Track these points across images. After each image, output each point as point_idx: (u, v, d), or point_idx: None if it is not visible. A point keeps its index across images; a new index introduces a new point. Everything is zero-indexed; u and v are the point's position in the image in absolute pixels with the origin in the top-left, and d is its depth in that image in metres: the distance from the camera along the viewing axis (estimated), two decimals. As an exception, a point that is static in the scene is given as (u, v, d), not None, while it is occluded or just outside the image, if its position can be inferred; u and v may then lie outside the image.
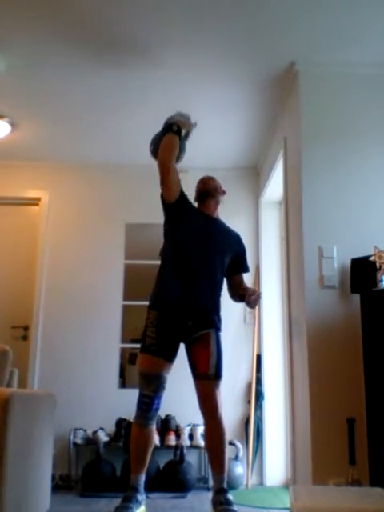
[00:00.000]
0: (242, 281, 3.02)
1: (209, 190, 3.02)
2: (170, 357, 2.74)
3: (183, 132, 2.95)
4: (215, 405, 2.66)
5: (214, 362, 2.70)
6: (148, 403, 2.67)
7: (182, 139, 2.96)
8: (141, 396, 2.70)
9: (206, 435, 2.73)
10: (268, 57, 3.19)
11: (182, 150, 2.98)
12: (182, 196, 2.94)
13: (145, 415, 2.68)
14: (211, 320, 2.78)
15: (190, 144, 4.28)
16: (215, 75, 3.39)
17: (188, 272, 2.79)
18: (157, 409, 2.70)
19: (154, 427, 2.74)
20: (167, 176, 2.85)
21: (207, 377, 2.68)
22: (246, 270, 3.07)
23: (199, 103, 3.71)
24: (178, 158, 2.96)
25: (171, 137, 2.88)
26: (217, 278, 2.86)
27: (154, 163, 4.73)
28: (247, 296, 2.82)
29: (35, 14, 2.84)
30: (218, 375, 2.70)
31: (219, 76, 3.40)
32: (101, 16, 2.86)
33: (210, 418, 2.67)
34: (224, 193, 3.11)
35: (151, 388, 2.67)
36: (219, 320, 2.83)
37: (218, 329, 2.79)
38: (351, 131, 3.19)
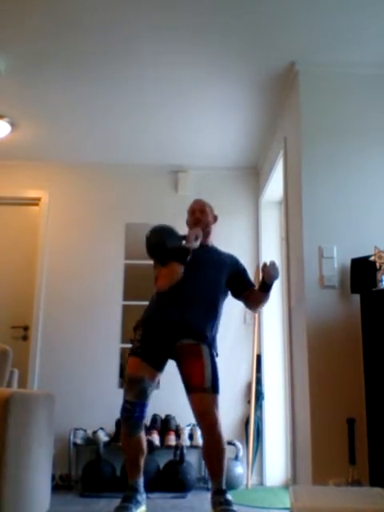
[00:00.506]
0: (253, 291, 3.01)
1: (199, 224, 2.98)
2: (156, 363, 2.70)
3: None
4: (214, 420, 2.57)
5: (208, 374, 2.61)
6: (129, 410, 2.61)
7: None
8: (123, 402, 2.66)
9: (204, 448, 2.65)
10: (268, 57, 3.19)
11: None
12: None
13: (127, 423, 2.63)
14: (202, 336, 2.72)
15: (190, 144, 4.30)
16: (215, 75, 3.39)
17: (180, 299, 2.77)
18: (139, 417, 2.61)
19: (141, 435, 2.67)
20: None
21: (203, 389, 2.59)
22: (251, 285, 3.06)
23: (199, 103, 3.71)
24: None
25: (179, 268, 2.77)
26: (212, 304, 2.84)
27: (154, 163, 4.74)
28: (263, 272, 2.82)
29: (35, 14, 2.84)
30: (214, 389, 2.61)
31: (219, 76, 3.40)
32: (100, 16, 2.86)
33: (210, 434, 2.60)
34: (216, 220, 3.09)
35: (133, 393, 2.62)
36: (213, 340, 2.77)
37: (210, 346, 2.72)
38: (351, 131, 3.19)
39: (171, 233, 2.84)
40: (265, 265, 2.87)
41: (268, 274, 2.84)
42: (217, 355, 2.77)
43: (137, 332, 2.79)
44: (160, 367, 2.74)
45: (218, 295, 2.88)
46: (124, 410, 2.64)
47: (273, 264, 2.87)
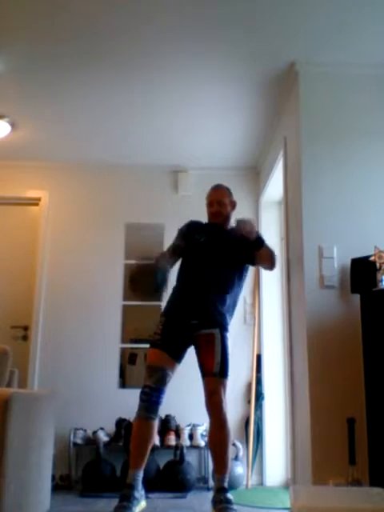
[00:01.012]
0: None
1: (218, 217, 3.05)
2: (175, 353, 2.80)
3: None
4: (219, 401, 2.69)
5: (218, 360, 2.74)
6: (148, 393, 2.70)
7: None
8: (142, 387, 2.75)
9: (210, 432, 2.75)
10: (268, 57, 3.19)
11: (163, 282, 2.93)
12: (186, 242, 3.04)
13: (144, 406, 2.70)
14: (216, 320, 2.82)
15: (190, 144, 4.30)
16: (215, 75, 3.39)
17: (195, 280, 2.90)
18: (157, 402, 2.71)
19: (155, 423, 2.75)
20: None
21: (212, 374, 2.73)
22: (263, 243, 2.98)
23: (199, 103, 3.71)
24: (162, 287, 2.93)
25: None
26: (228, 282, 2.91)
27: (154, 163, 4.74)
28: (243, 233, 2.83)
29: (35, 14, 2.84)
30: (222, 373, 2.74)
31: (219, 76, 3.40)
32: (101, 18, 2.86)
33: (215, 413, 2.70)
34: (234, 206, 3.13)
35: (153, 379, 2.72)
36: (226, 321, 2.86)
37: (224, 328, 2.82)
38: (351, 131, 3.19)
39: (150, 284, 2.89)
40: (237, 226, 2.86)
41: (243, 230, 2.83)
42: (228, 331, 2.85)
43: (159, 325, 2.87)
44: (179, 358, 2.83)
45: (234, 278, 2.94)
46: (143, 393, 2.73)
47: (242, 221, 2.86)
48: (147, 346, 2.91)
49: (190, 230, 3.08)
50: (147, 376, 2.76)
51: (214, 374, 2.73)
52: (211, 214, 3.08)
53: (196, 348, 2.85)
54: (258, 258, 2.99)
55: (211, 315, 2.83)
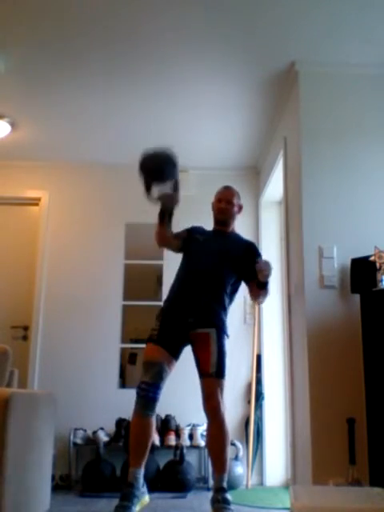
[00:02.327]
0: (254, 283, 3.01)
1: (225, 219, 3.07)
2: (172, 349, 2.78)
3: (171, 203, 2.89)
4: (217, 403, 2.66)
5: (214, 360, 2.72)
6: (145, 389, 2.68)
7: (170, 209, 2.90)
8: (139, 383, 2.72)
9: (208, 435, 2.74)
10: (268, 57, 3.19)
11: (174, 204, 2.91)
12: (186, 238, 3.04)
13: (141, 402, 2.68)
14: (212, 321, 2.81)
15: (190, 144, 4.30)
16: (215, 75, 3.39)
17: (194, 280, 2.89)
18: (154, 399, 2.68)
19: (153, 420, 2.72)
20: (165, 248, 3.16)
21: (209, 375, 2.70)
22: (265, 286, 2.98)
23: (199, 103, 3.71)
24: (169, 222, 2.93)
25: (158, 227, 2.92)
26: (224, 286, 2.90)
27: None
28: (256, 271, 2.81)
29: (36, 14, 2.84)
30: (219, 374, 2.71)
31: (219, 76, 3.40)
32: (101, 18, 2.86)
33: (212, 417, 2.68)
34: (241, 209, 3.14)
35: (149, 375, 2.69)
36: (222, 322, 2.84)
37: (220, 330, 2.80)
38: (351, 131, 3.19)
39: (167, 167, 2.88)
40: (257, 263, 2.84)
41: (260, 272, 2.83)
42: (228, 336, 2.84)
43: (156, 322, 2.86)
44: (176, 354, 2.81)
45: (228, 281, 2.93)
46: (140, 389, 2.70)
47: (265, 263, 2.84)
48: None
49: (193, 230, 3.09)
50: (144, 371, 2.73)
51: (211, 374, 2.70)
52: (218, 209, 3.08)
53: (192, 347, 2.83)
54: (252, 287, 2.97)
55: (207, 314, 2.82)
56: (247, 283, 3.03)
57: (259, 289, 2.92)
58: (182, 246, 3.03)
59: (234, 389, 4.24)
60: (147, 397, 2.67)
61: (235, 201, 3.09)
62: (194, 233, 3.08)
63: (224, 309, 2.89)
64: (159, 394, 2.71)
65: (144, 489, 2.70)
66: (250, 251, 3.02)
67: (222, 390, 2.71)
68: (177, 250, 3.05)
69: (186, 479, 3.72)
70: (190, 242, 3.03)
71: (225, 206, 3.06)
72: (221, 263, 2.93)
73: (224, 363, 2.74)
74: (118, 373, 4.35)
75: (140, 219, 4.55)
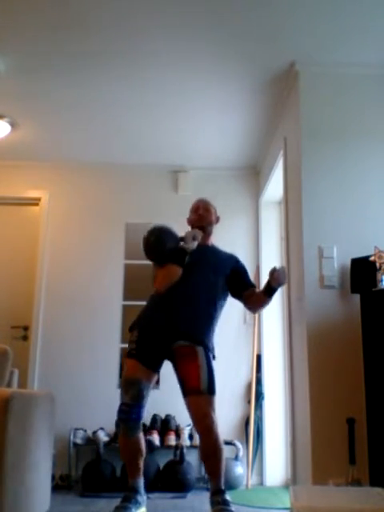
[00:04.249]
0: (253, 292, 2.97)
1: (204, 226, 2.98)
2: (152, 364, 2.68)
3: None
4: (211, 424, 2.54)
5: (204, 376, 2.58)
6: (126, 411, 2.60)
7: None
8: (120, 405, 2.64)
9: (202, 450, 2.64)
10: (268, 57, 3.19)
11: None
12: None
13: (124, 425, 2.62)
14: (198, 338, 2.69)
15: (190, 144, 4.30)
16: (215, 75, 3.39)
17: (175, 300, 2.75)
18: (137, 419, 2.60)
19: (139, 436, 2.66)
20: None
21: (198, 392, 2.56)
22: (252, 285, 3.00)
23: (199, 103, 3.71)
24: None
25: (177, 269, 2.77)
26: (208, 305, 2.80)
27: (154, 163, 4.75)
28: (271, 277, 2.78)
29: (36, 13, 2.84)
30: (210, 390, 2.58)
31: (219, 76, 3.40)
32: (100, 17, 2.86)
33: (206, 437, 2.57)
34: (218, 221, 3.08)
35: (129, 395, 2.60)
36: (209, 342, 2.73)
37: (207, 349, 2.69)
38: (351, 131, 3.19)
39: (169, 233, 2.83)
40: (274, 269, 2.81)
41: (276, 280, 2.79)
42: (214, 358, 2.73)
43: (133, 333, 2.77)
44: (156, 368, 2.73)
45: (215, 296, 2.84)
46: (121, 411, 2.63)
47: (282, 270, 2.83)
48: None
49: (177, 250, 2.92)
50: (124, 392, 2.63)
51: (201, 391, 2.55)
52: (196, 216, 2.99)
53: (174, 362, 2.71)
54: (255, 297, 2.92)
55: (191, 330, 2.70)
56: (239, 296, 2.96)
57: (266, 296, 2.88)
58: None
59: (234, 389, 4.25)
60: (129, 419, 2.59)
61: (212, 209, 3.04)
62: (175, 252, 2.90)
63: (208, 327, 2.76)
64: (142, 412, 2.62)
65: (144, 497, 2.71)
66: (235, 263, 2.98)
67: (213, 407, 2.57)
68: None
69: (186, 479, 3.72)
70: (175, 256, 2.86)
71: (202, 212, 2.99)
72: (203, 282, 2.81)
73: (214, 380, 2.61)
74: (117, 373, 4.35)
75: (140, 219, 4.56)
